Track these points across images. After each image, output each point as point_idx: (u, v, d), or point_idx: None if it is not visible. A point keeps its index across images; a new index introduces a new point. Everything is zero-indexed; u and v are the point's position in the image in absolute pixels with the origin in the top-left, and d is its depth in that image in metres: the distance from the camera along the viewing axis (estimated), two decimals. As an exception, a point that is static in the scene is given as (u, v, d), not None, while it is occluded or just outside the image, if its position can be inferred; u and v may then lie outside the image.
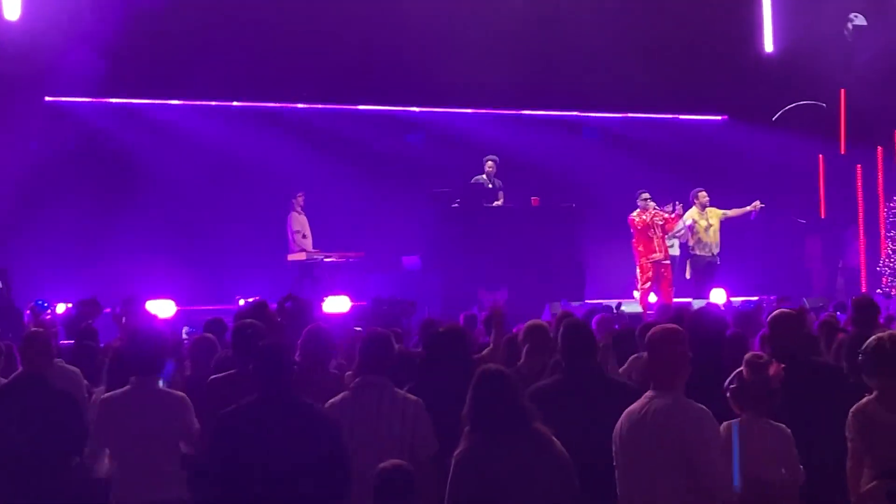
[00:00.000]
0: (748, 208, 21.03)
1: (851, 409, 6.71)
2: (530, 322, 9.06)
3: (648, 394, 6.25)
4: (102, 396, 7.65)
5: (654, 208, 20.19)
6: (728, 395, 6.70)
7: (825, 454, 6.90)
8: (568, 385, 7.16)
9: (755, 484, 6.39)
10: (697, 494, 6.03)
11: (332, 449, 6.54)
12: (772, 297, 17.25)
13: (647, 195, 20.22)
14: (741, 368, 6.77)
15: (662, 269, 20.14)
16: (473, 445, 5.96)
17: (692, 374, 6.95)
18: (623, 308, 17.83)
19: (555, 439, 6.01)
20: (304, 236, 20.62)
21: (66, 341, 12.26)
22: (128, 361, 7.61)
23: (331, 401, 7.13)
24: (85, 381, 9.22)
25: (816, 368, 7.68)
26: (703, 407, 6.11)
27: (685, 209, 20.51)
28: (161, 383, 7.52)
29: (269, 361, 6.62)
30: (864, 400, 6.72)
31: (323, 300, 16.99)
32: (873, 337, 6.84)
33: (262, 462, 6.38)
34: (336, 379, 8.11)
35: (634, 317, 15.27)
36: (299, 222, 20.76)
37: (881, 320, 12.44)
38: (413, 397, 7.16)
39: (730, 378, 6.74)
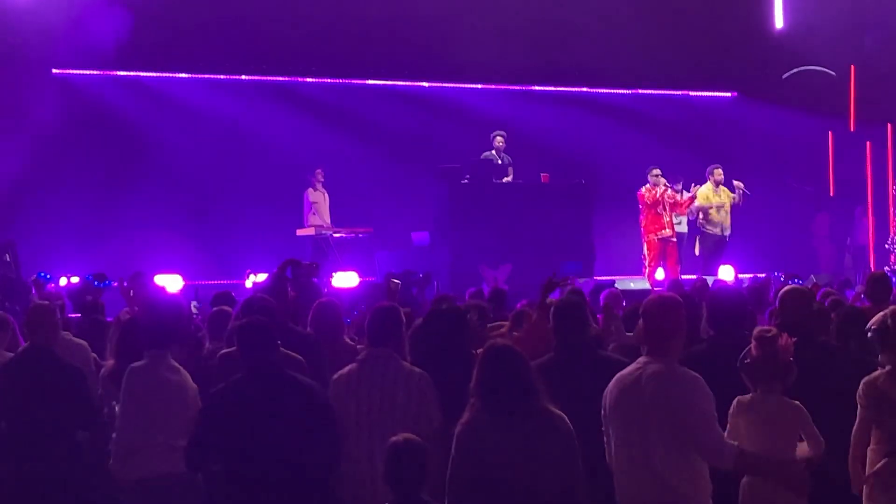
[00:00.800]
0: (735, 196, 20.85)
1: (864, 380, 6.75)
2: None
3: (641, 359, 6.27)
4: (130, 367, 7.57)
5: (665, 185, 20.15)
6: (741, 370, 6.66)
7: (829, 430, 6.85)
8: (559, 362, 7.19)
9: (758, 459, 6.35)
10: (690, 457, 6.06)
11: (320, 418, 6.64)
12: (780, 274, 17.19)
13: (657, 171, 20.18)
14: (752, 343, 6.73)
15: (669, 246, 20.11)
16: (476, 418, 5.96)
17: (713, 352, 6.94)
18: (631, 284, 17.87)
19: (564, 418, 5.99)
20: (313, 213, 20.61)
21: (73, 314, 12.21)
22: (142, 335, 7.58)
23: (338, 373, 7.18)
24: (93, 355, 9.20)
25: (824, 345, 7.63)
26: (696, 374, 6.12)
27: (697, 184, 20.48)
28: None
29: (251, 338, 6.78)
30: (877, 373, 6.76)
31: (332, 275, 16.96)
32: (879, 314, 6.85)
33: (252, 435, 6.51)
34: (351, 349, 8.12)
35: (642, 293, 15.21)
36: (315, 196, 20.74)
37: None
38: (419, 370, 7.17)
39: (742, 353, 6.70)
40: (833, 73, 24.89)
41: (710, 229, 20.69)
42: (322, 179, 20.87)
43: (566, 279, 9.29)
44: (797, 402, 6.57)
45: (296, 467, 6.53)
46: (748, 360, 6.66)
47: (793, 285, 8.35)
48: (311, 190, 20.80)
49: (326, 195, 20.92)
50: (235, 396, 6.64)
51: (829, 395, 7.04)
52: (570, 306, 7.49)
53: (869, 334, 6.81)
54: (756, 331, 6.86)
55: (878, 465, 6.64)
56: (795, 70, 25.14)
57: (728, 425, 6.48)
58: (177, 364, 7.47)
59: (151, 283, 12.99)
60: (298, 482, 6.56)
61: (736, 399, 6.59)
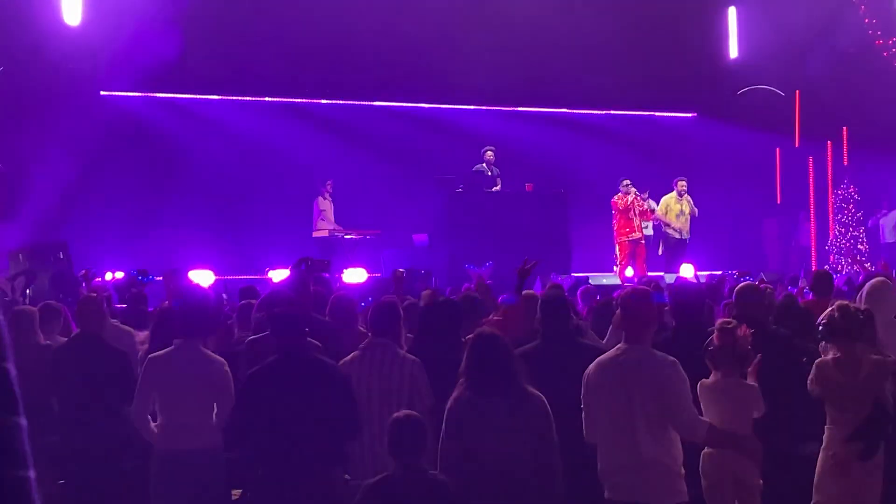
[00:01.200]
0: (695, 209, 20.91)
1: (815, 364, 6.83)
2: (525, 292, 9.09)
3: (620, 346, 6.27)
4: (150, 356, 7.58)
5: (635, 194, 20.20)
6: (705, 357, 6.71)
7: (781, 407, 6.92)
8: (544, 349, 7.18)
9: (723, 434, 6.39)
10: (667, 431, 6.07)
11: (343, 397, 6.67)
12: (733, 272, 17.21)
13: (628, 182, 20.24)
14: (714, 333, 6.77)
15: (638, 248, 20.15)
16: (463, 396, 5.98)
17: (677, 339, 6.96)
18: (604, 281, 17.89)
19: (542, 398, 6.00)
20: (322, 219, 20.64)
21: (119, 305, 12.23)
22: (175, 324, 7.56)
23: (344, 359, 7.20)
24: (138, 341, 9.20)
25: (775, 334, 7.68)
26: (673, 358, 6.13)
27: (662, 193, 20.57)
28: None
29: (284, 326, 6.79)
30: (826, 359, 6.82)
31: (343, 272, 16.96)
32: (827, 310, 6.90)
33: (284, 412, 6.53)
34: (363, 336, 8.16)
35: (613, 288, 15.23)
36: (324, 205, 20.77)
37: (842, 286, 12.47)
38: (412, 357, 7.21)
39: (707, 341, 6.75)
40: (782, 93, 24.96)
41: (672, 233, 20.76)
42: (330, 191, 20.89)
43: (535, 263, 9.25)
44: (753, 384, 6.63)
45: (322, 439, 6.55)
46: (711, 348, 6.71)
47: (747, 282, 8.39)
48: (320, 198, 20.81)
49: (332, 204, 20.93)
50: (271, 378, 6.65)
51: (782, 375, 7.11)
52: (554, 299, 7.50)
53: (820, 328, 6.85)
54: (718, 322, 6.91)
55: (834, 451, 6.68)
56: (748, 88, 25.21)
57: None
58: (207, 351, 7.43)
59: (185, 278, 12.98)
60: (323, 452, 6.59)
61: (700, 382, 6.61)
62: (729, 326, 6.69)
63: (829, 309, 6.90)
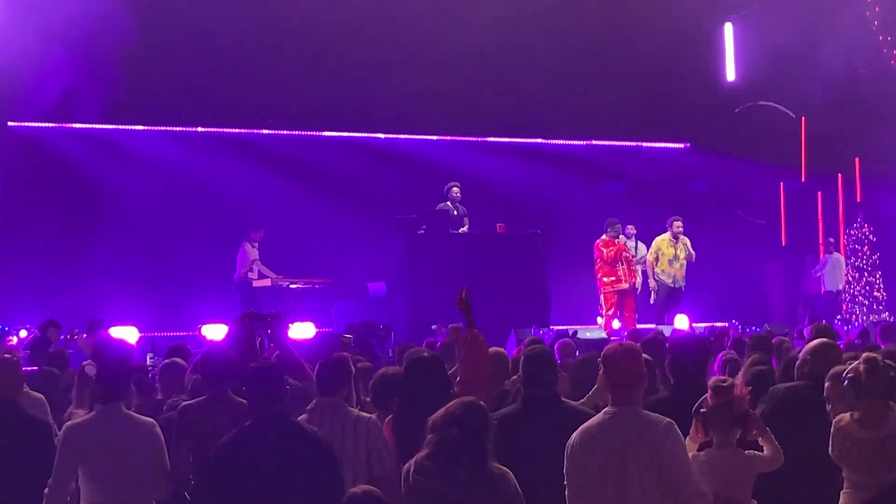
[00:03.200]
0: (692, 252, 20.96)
1: (835, 423, 6.76)
2: (493, 349, 9.05)
3: (607, 409, 6.24)
4: (66, 424, 7.48)
5: (624, 241, 20.21)
6: (694, 425, 6.65)
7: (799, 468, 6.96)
8: (525, 413, 7.15)
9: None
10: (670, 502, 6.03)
11: (328, 470, 6.61)
12: (737, 323, 17.25)
13: (617, 223, 20.20)
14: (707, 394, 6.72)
15: (626, 297, 20.14)
16: (422, 464, 5.88)
17: (677, 399, 6.92)
18: (588, 334, 17.87)
19: (508, 476, 5.91)
20: (250, 270, 20.53)
21: (28, 367, 12.07)
22: (96, 387, 7.50)
23: None
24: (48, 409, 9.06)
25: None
26: (669, 419, 6.09)
27: (647, 234, 20.60)
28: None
29: (264, 382, 6.71)
30: (846, 416, 6.77)
31: (288, 326, 16.83)
32: (852, 366, 6.89)
33: (263, 486, 6.44)
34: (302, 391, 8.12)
35: (598, 342, 15.22)
36: (253, 253, 20.65)
37: (855, 339, 12.51)
38: (367, 415, 7.22)
39: (697, 403, 6.72)
40: (792, 114, 25.04)
41: (664, 279, 20.69)
42: (259, 239, 20.79)
43: (467, 288, 9.19)
44: (749, 453, 6.60)
45: None
46: (703, 409, 6.67)
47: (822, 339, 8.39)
48: (247, 244, 20.71)
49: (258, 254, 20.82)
50: (245, 448, 6.54)
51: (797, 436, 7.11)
52: (537, 356, 7.44)
53: (844, 383, 6.83)
54: (712, 381, 6.88)
55: None
56: (749, 105, 25.31)
57: None
58: (132, 413, 7.38)
59: (101, 333, 12.90)
60: None
61: (691, 456, 6.53)
62: (724, 385, 6.68)
63: (854, 364, 6.89)
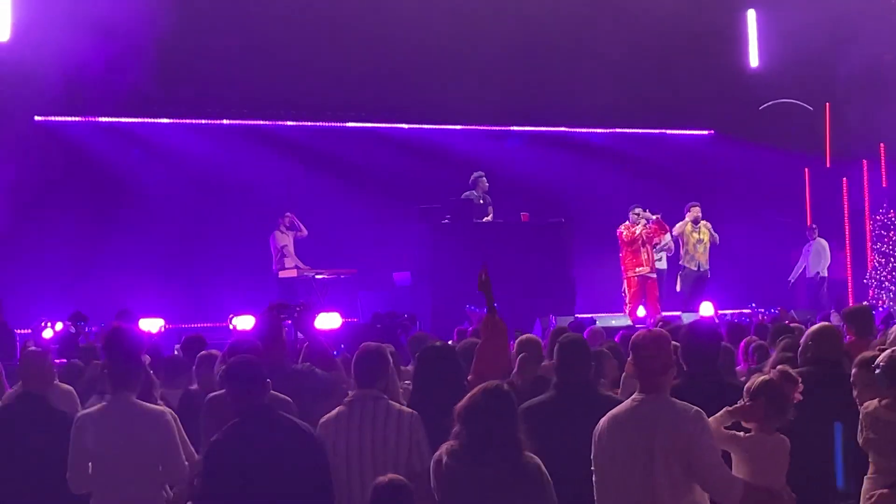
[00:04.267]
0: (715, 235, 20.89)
1: (864, 408, 6.78)
2: (524, 336, 9.08)
3: (635, 396, 6.22)
4: (77, 413, 7.50)
5: (645, 223, 20.14)
6: (741, 408, 6.58)
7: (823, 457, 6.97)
8: (560, 402, 7.12)
9: (762, 491, 6.33)
10: (695, 493, 6.03)
11: (317, 464, 6.55)
12: (760, 309, 17.21)
13: (639, 209, 20.21)
14: (762, 380, 6.63)
15: (649, 283, 20.11)
16: (453, 457, 5.85)
17: (690, 387, 6.92)
18: (613, 322, 17.86)
19: (540, 466, 5.89)
20: (285, 255, 20.57)
21: (58, 360, 12.15)
22: (107, 376, 7.49)
23: (326, 416, 7.07)
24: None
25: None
26: (698, 408, 6.08)
27: (672, 223, 20.52)
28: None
29: (242, 379, 6.67)
30: (876, 402, 6.76)
31: (314, 316, 16.88)
32: (887, 351, 6.88)
33: (255, 483, 6.39)
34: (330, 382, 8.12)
35: (625, 330, 15.20)
36: (283, 239, 20.70)
37: (880, 325, 12.48)
38: (408, 410, 7.10)
39: (750, 387, 6.62)
40: (810, 108, 24.99)
41: (688, 265, 20.66)
42: (289, 224, 20.82)
43: (485, 268, 9.19)
44: (783, 437, 6.57)
45: None
46: (751, 398, 6.57)
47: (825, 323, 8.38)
48: (277, 233, 20.76)
49: (292, 238, 20.85)
50: (231, 447, 6.49)
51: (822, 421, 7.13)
52: (572, 343, 7.40)
53: (877, 371, 6.82)
54: (777, 369, 6.81)
55: (876, 495, 6.63)
56: (771, 103, 25.22)
57: None
58: (142, 402, 7.36)
59: (115, 325, 12.94)
60: None
61: (732, 434, 6.48)
62: (795, 376, 6.65)
63: (889, 351, 6.87)
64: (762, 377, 6.67)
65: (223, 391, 7.81)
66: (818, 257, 23.44)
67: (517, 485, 5.80)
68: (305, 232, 20.91)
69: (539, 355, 8.79)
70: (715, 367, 7.40)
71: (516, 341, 8.92)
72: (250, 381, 6.63)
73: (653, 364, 6.21)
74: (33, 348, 9.09)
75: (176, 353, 12.78)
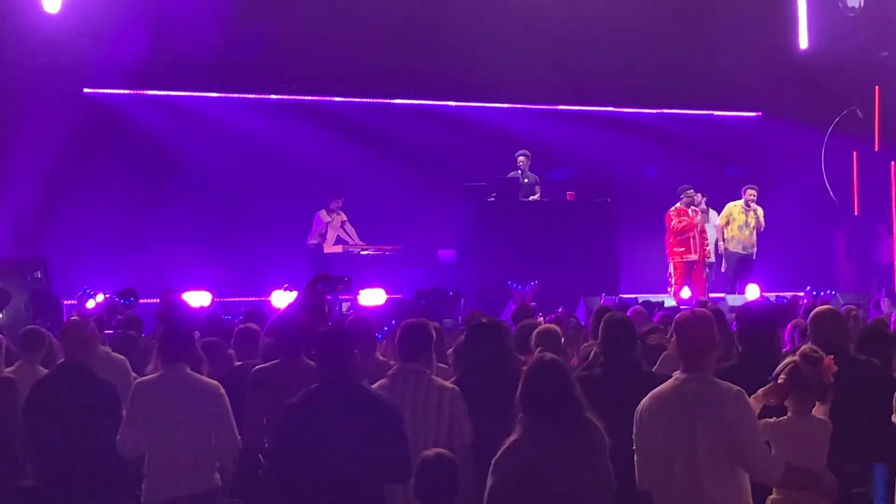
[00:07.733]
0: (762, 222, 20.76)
1: None
2: (543, 326, 9.05)
3: (678, 375, 6.24)
4: (136, 381, 7.63)
5: (694, 208, 20.02)
6: (775, 388, 6.55)
7: (863, 443, 6.97)
8: (605, 378, 7.19)
9: (803, 473, 6.28)
10: (736, 472, 6.03)
11: (396, 435, 6.49)
12: (810, 290, 17.07)
13: (690, 189, 20.09)
14: (789, 362, 6.61)
15: (695, 268, 20.01)
16: (526, 433, 5.87)
17: (743, 367, 6.89)
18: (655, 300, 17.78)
19: (601, 430, 5.95)
20: (325, 232, 20.57)
21: (108, 330, 12.22)
22: (160, 348, 7.60)
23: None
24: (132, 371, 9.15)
25: (856, 360, 7.60)
26: (739, 388, 6.08)
27: (718, 205, 20.46)
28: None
29: (333, 346, 6.62)
30: None
31: (359, 292, 16.94)
32: None
33: (329, 448, 6.36)
34: (383, 365, 8.08)
35: (670, 311, 15.14)
36: (327, 219, 20.69)
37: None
38: (450, 385, 7.15)
39: (779, 370, 6.60)
40: (860, 114, 24.64)
41: (733, 247, 20.58)
42: (336, 209, 20.82)
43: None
44: (826, 420, 6.53)
45: (368, 483, 6.40)
46: (784, 378, 6.54)
47: (826, 305, 8.33)
48: (323, 212, 20.77)
49: (339, 221, 20.87)
50: (311, 411, 6.46)
51: (861, 408, 7.11)
52: (618, 322, 7.48)
53: None
54: (804, 349, 6.77)
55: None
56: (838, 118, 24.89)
57: None
58: (197, 374, 7.48)
59: (171, 298, 12.99)
60: (363, 495, 6.43)
61: (764, 421, 6.46)
62: (815, 355, 6.59)
63: None
64: (787, 359, 6.64)
65: (269, 364, 7.86)
66: None
67: (586, 447, 5.86)
68: (345, 218, 20.88)
69: (557, 348, 8.78)
70: (769, 348, 7.40)
71: (534, 332, 8.78)
72: (340, 349, 6.60)
73: (697, 344, 6.21)
74: (75, 318, 9.15)
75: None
